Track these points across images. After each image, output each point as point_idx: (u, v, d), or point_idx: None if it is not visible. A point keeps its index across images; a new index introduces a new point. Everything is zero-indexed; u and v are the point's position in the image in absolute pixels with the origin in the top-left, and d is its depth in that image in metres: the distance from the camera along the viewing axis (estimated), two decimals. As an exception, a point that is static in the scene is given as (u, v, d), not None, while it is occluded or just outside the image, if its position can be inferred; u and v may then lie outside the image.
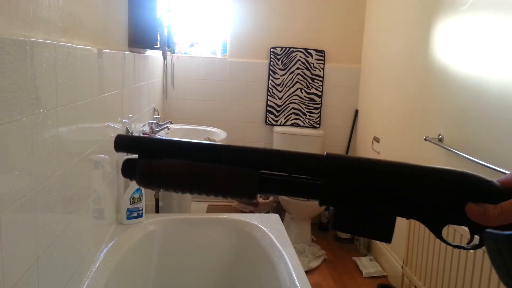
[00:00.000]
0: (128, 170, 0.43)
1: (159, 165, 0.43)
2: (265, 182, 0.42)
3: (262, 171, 0.42)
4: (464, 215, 0.40)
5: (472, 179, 0.40)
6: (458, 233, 1.73)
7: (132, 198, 1.48)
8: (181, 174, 0.42)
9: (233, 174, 0.42)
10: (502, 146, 1.60)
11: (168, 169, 0.42)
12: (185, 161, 0.42)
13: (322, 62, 3.22)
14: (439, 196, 0.41)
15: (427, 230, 1.98)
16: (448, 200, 0.41)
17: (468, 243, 0.44)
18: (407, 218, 0.43)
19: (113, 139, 0.44)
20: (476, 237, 0.42)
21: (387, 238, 0.43)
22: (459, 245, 0.44)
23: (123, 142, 0.44)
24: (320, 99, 3.26)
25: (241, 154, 0.42)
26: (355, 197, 0.41)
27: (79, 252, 1.09)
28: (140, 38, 1.76)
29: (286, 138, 3.16)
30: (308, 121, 3.27)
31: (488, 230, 0.38)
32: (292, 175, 0.42)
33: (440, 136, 2.03)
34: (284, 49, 3.17)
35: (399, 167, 0.41)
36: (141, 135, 1.92)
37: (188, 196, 2.21)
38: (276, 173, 0.42)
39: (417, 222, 2.07)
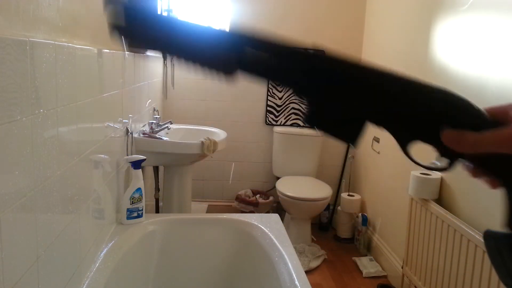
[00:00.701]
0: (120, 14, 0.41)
1: (152, 23, 0.42)
2: (246, 59, 0.41)
3: (245, 47, 0.41)
4: (438, 136, 0.39)
5: (456, 101, 0.39)
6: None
7: (132, 198, 1.48)
8: (169, 34, 0.41)
9: (218, 45, 0.41)
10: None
11: (159, 28, 0.41)
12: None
13: (322, 62, 3.21)
14: (415, 108, 0.39)
15: (427, 230, 1.98)
16: (424, 115, 0.39)
17: (433, 163, 0.43)
18: (377, 125, 0.41)
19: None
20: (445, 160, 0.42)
21: (353, 141, 0.42)
22: (426, 164, 0.43)
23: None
24: (320, 99, 3.26)
25: (227, 33, 0.41)
26: (330, 92, 0.41)
27: (79, 252, 1.09)
28: (140, 38, 1.75)
29: (286, 138, 3.16)
30: (308, 121, 3.27)
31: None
32: (274, 57, 0.41)
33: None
34: (284, 49, 3.17)
35: (381, 72, 0.40)
36: (142, 134, 1.92)
37: (188, 196, 2.21)
38: (259, 52, 0.41)
39: (417, 223, 2.08)
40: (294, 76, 0.41)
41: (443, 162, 0.42)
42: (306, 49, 0.42)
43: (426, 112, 0.39)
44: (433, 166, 0.42)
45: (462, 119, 0.39)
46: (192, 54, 0.42)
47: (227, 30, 0.41)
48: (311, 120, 0.42)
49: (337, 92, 0.41)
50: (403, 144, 0.42)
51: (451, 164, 0.41)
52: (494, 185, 0.41)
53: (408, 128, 0.41)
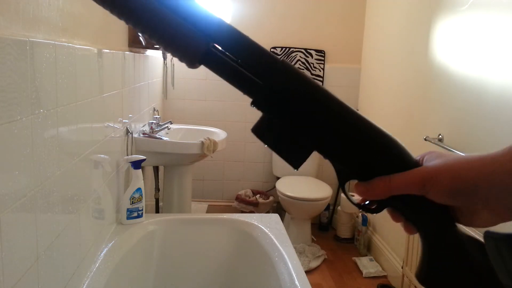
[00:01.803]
0: None
1: None
2: (211, 54, 0.40)
3: (214, 44, 0.40)
4: (368, 177, 0.40)
5: (389, 145, 0.40)
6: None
7: (132, 198, 1.48)
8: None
9: (186, 31, 0.39)
10: (502, 146, 1.59)
11: None
12: None
13: (322, 62, 3.21)
14: (353, 149, 0.41)
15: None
16: (359, 156, 0.41)
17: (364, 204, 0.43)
18: (324, 157, 0.42)
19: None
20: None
21: (296, 164, 0.42)
22: (359, 203, 0.44)
23: None
24: (320, 99, 3.26)
25: (201, 15, 0.40)
26: (286, 114, 0.40)
27: (79, 252, 1.09)
28: (140, 38, 1.76)
29: (286, 138, 3.15)
30: (308, 121, 3.27)
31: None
32: (239, 62, 0.40)
33: (440, 136, 2.03)
34: (284, 49, 3.17)
35: (339, 109, 0.40)
36: (142, 134, 1.92)
37: (188, 196, 2.21)
38: (226, 53, 0.40)
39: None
40: (252, 87, 0.41)
41: (373, 204, 0.43)
42: (274, 60, 0.40)
43: (361, 155, 0.41)
44: (362, 205, 0.44)
45: (387, 165, 0.40)
46: (156, 30, 0.40)
47: (203, 15, 0.40)
48: (259, 131, 0.42)
49: (291, 115, 0.40)
50: (341, 182, 0.43)
51: (378, 208, 0.42)
52: (408, 230, 0.42)
53: (347, 167, 0.42)
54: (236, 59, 0.40)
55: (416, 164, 0.40)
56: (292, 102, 0.40)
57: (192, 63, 0.41)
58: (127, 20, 0.40)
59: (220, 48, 0.40)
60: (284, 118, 0.41)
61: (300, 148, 0.42)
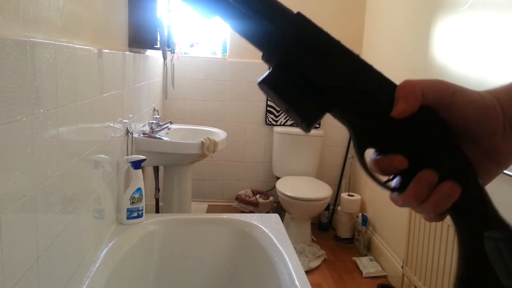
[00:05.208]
0: None
1: None
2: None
3: None
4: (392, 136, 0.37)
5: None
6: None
7: (132, 198, 1.48)
8: None
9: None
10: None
11: None
12: None
13: (322, 62, 3.21)
14: (373, 103, 0.37)
15: (427, 230, 1.98)
16: (380, 110, 0.37)
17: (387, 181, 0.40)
18: (338, 116, 0.38)
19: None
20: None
21: (307, 124, 0.37)
22: (379, 179, 0.40)
23: None
24: (320, 99, 3.26)
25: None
26: (304, 66, 0.37)
27: (79, 252, 1.09)
28: (140, 38, 1.76)
29: (286, 138, 3.16)
30: (308, 121, 3.27)
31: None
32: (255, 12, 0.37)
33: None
34: (284, 49, 3.17)
35: (357, 61, 0.38)
36: (142, 134, 1.92)
37: (188, 196, 2.21)
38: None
39: (417, 223, 2.07)
40: (268, 31, 0.37)
41: (396, 182, 0.39)
42: (289, 10, 0.38)
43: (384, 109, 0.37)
44: (386, 185, 0.40)
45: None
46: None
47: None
48: (271, 83, 0.38)
49: (309, 64, 0.37)
50: (361, 146, 0.39)
51: (403, 186, 0.38)
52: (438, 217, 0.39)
53: (374, 132, 0.38)
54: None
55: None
56: (311, 50, 0.37)
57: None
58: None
59: None
60: (300, 71, 0.37)
61: (314, 103, 0.37)
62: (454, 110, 0.37)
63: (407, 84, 0.37)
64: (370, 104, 0.37)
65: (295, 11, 0.39)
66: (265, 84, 0.38)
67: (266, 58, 0.39)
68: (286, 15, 0.37)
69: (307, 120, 0.37)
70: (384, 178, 0.40)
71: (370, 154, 0.39)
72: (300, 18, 0.37)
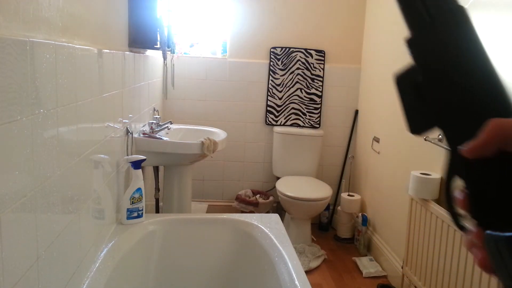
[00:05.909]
0: None
1: None
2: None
3: None
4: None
5: None
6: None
7: (132, 198, 1.48)
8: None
9: None
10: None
11: None
12: None
13: (322, 62, 3.21)
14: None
15: (427, 230, 1.98)
16: None
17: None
18: (446, 135, 0.35)
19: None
20: None
21: (410, 130, 0.36)
22: (458, 220, 0.37)
23: None
24: (320, 99, 3.26)
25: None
26: (435, 69, 0.34)
27: (79, 252, 1.09)
28: (140, 38, 1.76)
29: (286, 138, 3.16)
30: (308, 121, 3.27)
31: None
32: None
33: (440, 136, 2.03)
34: (284, 49, 3.17)
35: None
36: (142, 134, 1.92)
37: (188, 196, 2.21)
38: None
39: (417, 223, 2.07)
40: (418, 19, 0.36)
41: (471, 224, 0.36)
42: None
43: None
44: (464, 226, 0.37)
45: None
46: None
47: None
48: (401, 80, 0.37)
49: (437, 71, 0.35)
50: (449, 172, 0.36)
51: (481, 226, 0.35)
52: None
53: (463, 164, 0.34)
54: None
55: None
56: (444, 56, 0.35)
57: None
58: None
59: None
60: (432, 74, 0.35)
61: (428, 113, 0.35)
62: None
63: (493, 122, 0.32)
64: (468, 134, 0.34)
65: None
66: (398, 80, 0.37)
67: (410, 44, 0.37)
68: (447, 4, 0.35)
69: (412, 128, 0.37)
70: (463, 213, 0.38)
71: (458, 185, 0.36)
72: (461, 14, 0.34)
